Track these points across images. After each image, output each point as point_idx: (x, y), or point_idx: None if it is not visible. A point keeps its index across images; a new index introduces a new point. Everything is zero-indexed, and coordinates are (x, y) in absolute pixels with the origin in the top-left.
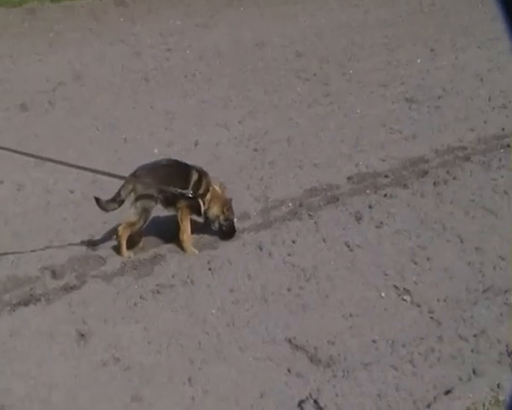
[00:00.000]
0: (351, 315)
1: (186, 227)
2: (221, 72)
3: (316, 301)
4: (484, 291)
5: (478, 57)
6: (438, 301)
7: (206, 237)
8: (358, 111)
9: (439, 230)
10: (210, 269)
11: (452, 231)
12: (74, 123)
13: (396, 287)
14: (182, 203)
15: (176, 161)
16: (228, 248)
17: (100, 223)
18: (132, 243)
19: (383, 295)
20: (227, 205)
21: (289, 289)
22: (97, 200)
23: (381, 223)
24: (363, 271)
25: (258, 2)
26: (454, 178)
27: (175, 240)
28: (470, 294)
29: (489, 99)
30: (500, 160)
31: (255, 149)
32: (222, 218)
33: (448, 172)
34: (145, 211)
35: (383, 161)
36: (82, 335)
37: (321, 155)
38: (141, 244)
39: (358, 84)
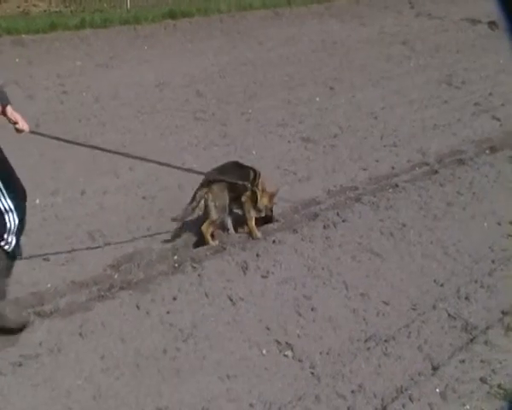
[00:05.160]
0: (228, 377)
1: (253, 216)
2: (117, 115)
3: (192, 363)
4: (366, 341)
5: (372, 96)
6: (320, 354)
7: (78, 301)
8: (254, 152)
9: (326, 277)
10: (81, 334)
11: (338, 278)
12: None
13: (278, 342)
14: (245, 197)
15: (237, 163)
16: (103, 309)
17: None
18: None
19: (264, 352)
20: (274, 195)
21: (165, 352)
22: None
23: (268, 272)
24: (244, 326)
25: (163, 40)
26: (343, 221)
27: None
28: (353, 344)
29: (381, 137)
30: (388, 200)
31: (144, 197)
32: (269, 206)
33: (338, 214)
34: (223, 208)
35: (275, 204)
36: None
37: None
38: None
39: (257, 123)
